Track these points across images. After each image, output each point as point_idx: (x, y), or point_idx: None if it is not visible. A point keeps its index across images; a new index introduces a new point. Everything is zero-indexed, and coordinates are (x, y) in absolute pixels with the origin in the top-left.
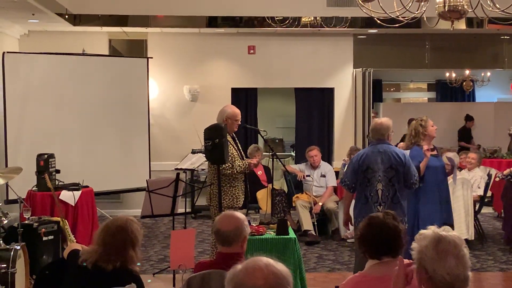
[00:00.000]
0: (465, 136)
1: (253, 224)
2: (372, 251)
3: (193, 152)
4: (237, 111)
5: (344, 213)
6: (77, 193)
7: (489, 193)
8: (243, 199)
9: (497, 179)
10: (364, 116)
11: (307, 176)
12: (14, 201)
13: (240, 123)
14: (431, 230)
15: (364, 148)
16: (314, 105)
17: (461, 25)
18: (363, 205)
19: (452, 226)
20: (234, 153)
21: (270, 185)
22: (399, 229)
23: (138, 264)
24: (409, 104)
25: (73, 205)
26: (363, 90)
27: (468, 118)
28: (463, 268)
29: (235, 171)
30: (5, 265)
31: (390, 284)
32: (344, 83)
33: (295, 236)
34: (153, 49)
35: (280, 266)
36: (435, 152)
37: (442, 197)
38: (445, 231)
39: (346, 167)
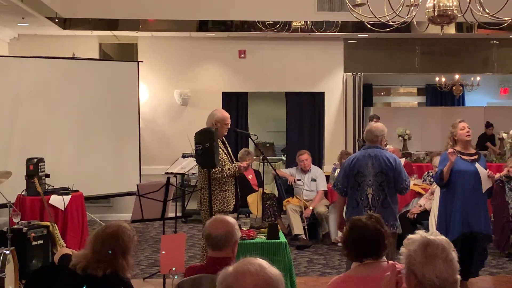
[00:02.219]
0: (484, 142)
1: (244, 228)
2: (354, 253)
3: (184, 156)
4: (226, 114)
5: (338, 217)
6: (67, 198)
7: None
8: (233, 203)
9: None
10: (354, 120)
11: (297, 180)
12: (4, 206)
13: (229, 126)
14: (419, 234)
15: (356, 152)
16: (305, 109)
17: (451, 29)
18: (353, 209)
19: (481, 236)
20: (224, 157)
21: (260, 189)
22: (381, 232)
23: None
24: (399, 108)
25: (63, 209)
26: (353, 94)
27: (487, 125)
28: (452, 271)
29: (225, 175)
30: None
31: (374, 285)
32: (335, 87)
33: (286, 240)
34: (144, 53)
35: (272, 271)
36: (474, 157)
37: (467, 203)
38: (433, 235)
39: (338, 171)
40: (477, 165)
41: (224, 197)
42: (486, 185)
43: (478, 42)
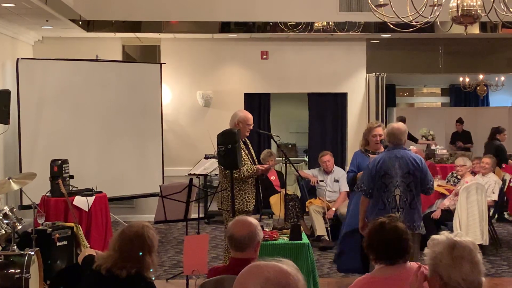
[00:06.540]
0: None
1: (266, 230)
2: (386, 256)
3: (206, 157)
4: (249, 115)
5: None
6: (91, 199)
7: None
8: (253, 203)
9: None
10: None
11: (320, 181)
12: (28, 207)
13: (252, 128)
14: (444, 235)
15: (380, 153)
16: (327, 110)
17: (475, 29)
18: (380, 211)
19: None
20: (245, 158)
21: (283, 190)
22: (408, 232)
23: (151, 270)
24: (422, 108)
25: (87, 210)
26: (376, 95)
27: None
28: (478, 273)
29: (243, 175)
30: (19, 271)
31: (398, 285)
32: (358, 88)
33: (309, 242)
34: (166, 54)
35: (285, 264)
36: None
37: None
38: (457, 236)
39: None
40: None
41: (243, 197)
42: None
43: (503, 42)
